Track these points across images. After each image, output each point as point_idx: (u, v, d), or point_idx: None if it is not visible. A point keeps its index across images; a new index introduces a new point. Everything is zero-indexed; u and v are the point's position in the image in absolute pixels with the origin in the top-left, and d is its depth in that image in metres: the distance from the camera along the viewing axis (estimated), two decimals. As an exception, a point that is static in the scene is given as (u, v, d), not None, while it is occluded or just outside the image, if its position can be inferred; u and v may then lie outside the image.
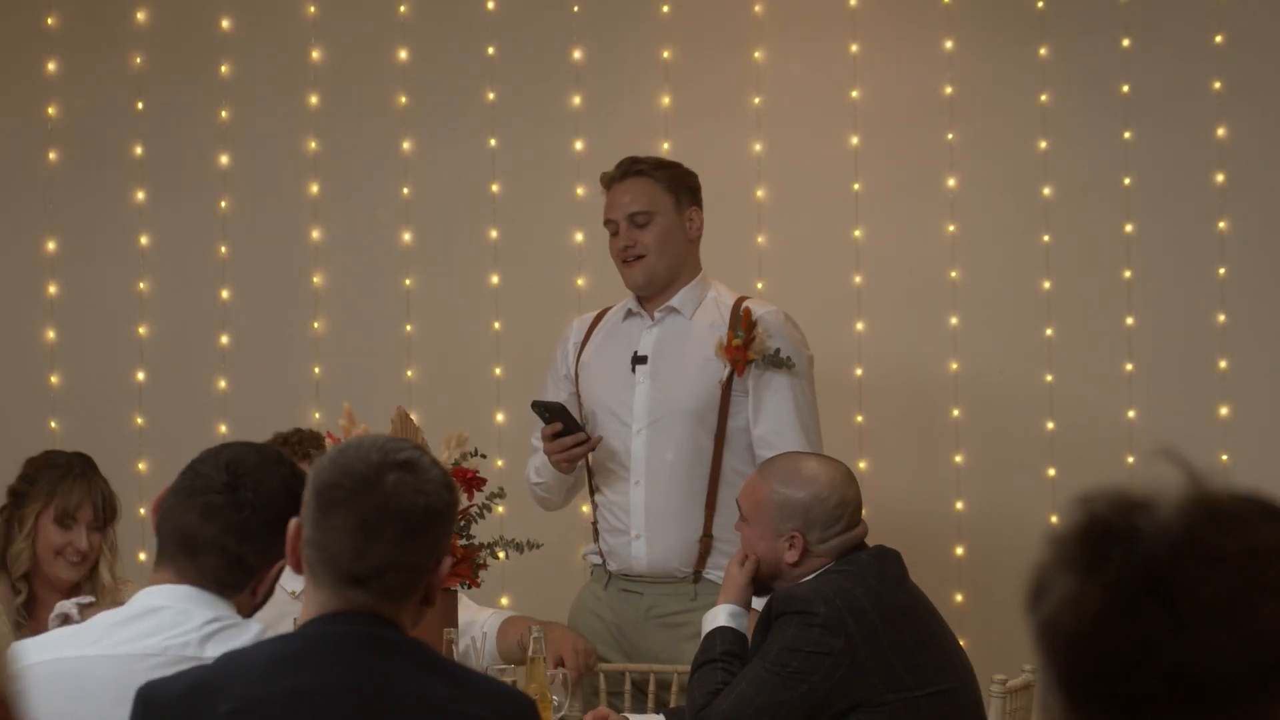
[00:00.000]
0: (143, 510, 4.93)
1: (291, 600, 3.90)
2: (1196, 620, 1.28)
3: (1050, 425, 5.22)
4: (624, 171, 4.30)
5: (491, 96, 5.36)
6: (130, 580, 4.06)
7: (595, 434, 4.26)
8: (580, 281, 5.27)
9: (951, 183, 5.28)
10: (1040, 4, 5.28)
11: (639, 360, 4.25)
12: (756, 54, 5.33)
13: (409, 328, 5.35)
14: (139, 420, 5.33)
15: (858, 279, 5.28)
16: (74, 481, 4.02)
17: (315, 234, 5.38)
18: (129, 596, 3.90)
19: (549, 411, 4.14)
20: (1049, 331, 5.25)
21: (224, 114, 5.39)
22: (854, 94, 5.31)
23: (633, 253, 4.24)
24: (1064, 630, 1.32)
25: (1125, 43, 5.25)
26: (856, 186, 5.30)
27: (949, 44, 5.30)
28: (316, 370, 5.35)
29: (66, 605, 3.29)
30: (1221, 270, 5.20)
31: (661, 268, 4.26)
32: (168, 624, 2.62)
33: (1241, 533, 1.32)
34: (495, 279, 5.33)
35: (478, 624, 4.24)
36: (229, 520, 2.66)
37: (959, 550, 5.21)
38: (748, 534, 3.68)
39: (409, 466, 2.31)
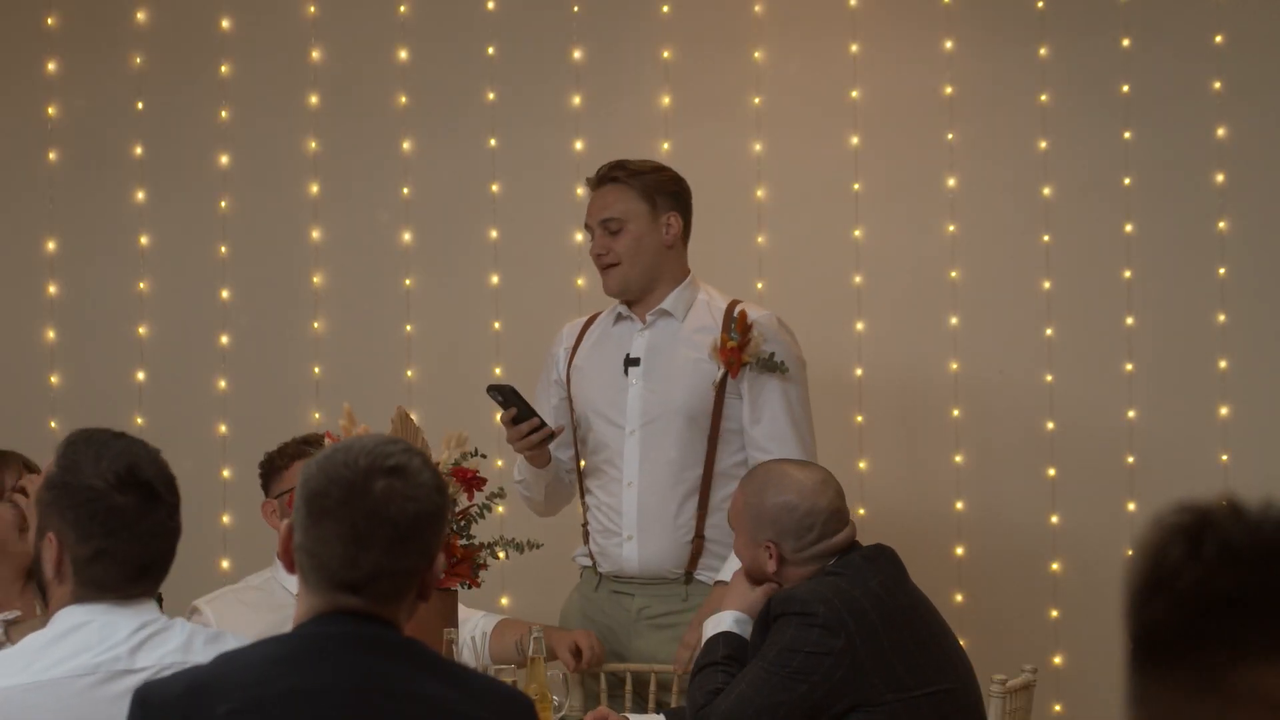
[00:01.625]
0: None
1: (294, 601, 3.90)
2: (1213, 557, 1.33)
3: (1050, 425, 5.22)
4: (601, 177, 4.31)
5: (491, 96, 5.36)
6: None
7: (587, 438, 4.28)
8: (580, 281, 5.27)
9: (951, 183, 5.28)
10: (1040, 4, 5.28)
11: (631, 362, 4.26)
12: (756, 54, 5.33)
13: (409, 328, 5.35)
14: (139, 420, 5.33)
15: (858, 279, 5.28)
16: (6, 462, 4.05)
17: (315, 234, 5.38)
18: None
19: (502, 394, 4.12)
20: (1049, 331, 5.25)
21: (224, 114, 5.40)
22: (854, 94, 5.31)
23: (605, 260, 4.26)
24: (1132, 562, 1.38)
25: (1125, 43, 5.25)
26: (856, 186, 5.30)
27: (949, 44, 5.30)
28: (316, 370, 5.35)
29: None
30: (1221, 270, 5.20)
31: (634, 275, 4.26)
32: (95, 640, 2.56)
33: None
34: (495, 279, 5.34)
35: (470, 623, 4.24)
36: (172, 524, 2.62)
37: (959, 550, 5.21)
38: (737, 547, 3.73)
39: (398, 472, 2.29)
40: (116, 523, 2.59)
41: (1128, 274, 5.24)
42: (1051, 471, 5.22)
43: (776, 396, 4.17)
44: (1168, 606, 1.34)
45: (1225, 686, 1.31)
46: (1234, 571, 1.33)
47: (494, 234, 5.35)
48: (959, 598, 5.17)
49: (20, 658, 2.58)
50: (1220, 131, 5.21)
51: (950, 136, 5.29)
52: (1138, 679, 1.36)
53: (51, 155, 5.42)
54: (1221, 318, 5.20)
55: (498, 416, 4.19)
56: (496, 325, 5.32)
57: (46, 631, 2.61)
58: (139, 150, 5.41)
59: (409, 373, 5.33)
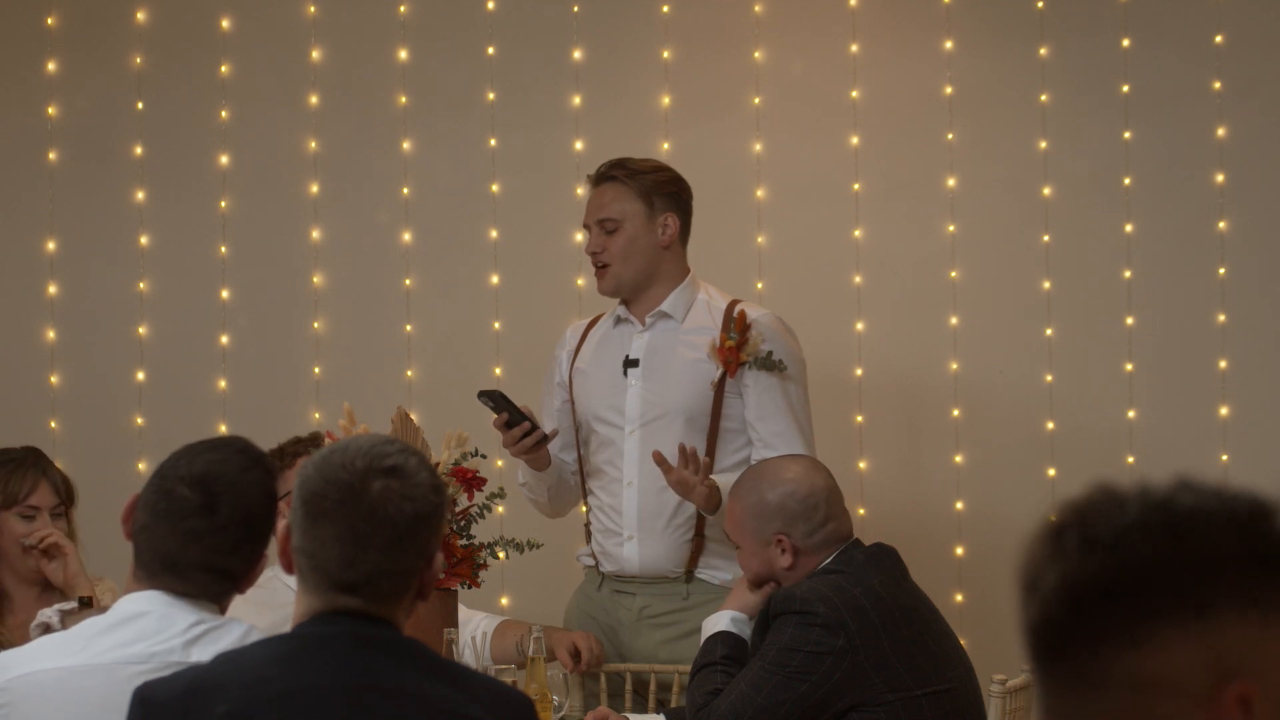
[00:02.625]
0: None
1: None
2: (1073, 550, 1.33)
3: (1050, 425, 5.22)
4: (600, 176, 4.31)
5: (491, 96, 5.36)
6: (103, 578, 4.05)
7: (589, 439, 4.28)
8: (580, 281, 5.27)
9: (951, 183, 5.28)
10: (1040, 4, 5.28)
11: (630, 364, 4.26)
12: (756, 54, 5.33)
13: (409, 328, 5.35)
14: (139, 420, 5.33)
15: (858, 279, 5.28)
16: (25, 471, 4.01)
17: (315, 234, 5.38)
18: (104, 591, 3.90)
19: (492, 400, 4.12)
20: (1049, 331, 5.25)
21: (224, 114, 5.39)
22: (854, 94, 5.31)
23: (600, 259, 4.26)
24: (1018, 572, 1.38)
25: (1125, 43, 5.25)
26: (856, 186, 5.30)
27: (949, 44, 5.30)
28: (316, 370, 5.35)
29: (48, 614, 3.26)
30: (1221, 270, 5.20)
31: (627, 275, 4.26)
32: (151, 630, 2.61)
33: (1183, 513, 1.34)
34: (495, 279, 5.34)
35: (473, 624, 4.24)
36: (213, 543, 2.63)
37: (959, 550, 5.21)
38: (743, 559, 3.70)
39: (396, 472, 2.29)
40: (164, 507, 2.65)
41: (1128, 274, 5.24)
42: (1051, 471, 5.21)
43: (778, 394, 4.18)
44: (1040, 606, 1.33)
45: (1106, 678, 1.30)
46: (1091, 560, 1.32)
47: (494, 234, 5.35)
48: (959, 598, 5.17)
49: (77, 640, 2.64)
50: (1220, 131, 5.21)
51: (950, 136, 5.29)
52: (1037, 683, 1.35)
53: (51, 155, 5.41)
54: (1221, 318, 5.20)
55: (491, 421, 4.19)
56: (496, 325, 5.32)
57: (106, 618, 2.66)
58: (139, 150, 5.41)
59: (409, 373, 5.33)
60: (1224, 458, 5.16)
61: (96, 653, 2.60)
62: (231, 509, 2.63)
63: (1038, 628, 1.33)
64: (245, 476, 2.66)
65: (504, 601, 5.18)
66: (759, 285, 5.25)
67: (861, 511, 5.10)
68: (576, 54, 5.35)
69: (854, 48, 5.31)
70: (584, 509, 4.38)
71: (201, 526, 2.63)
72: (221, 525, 2.63)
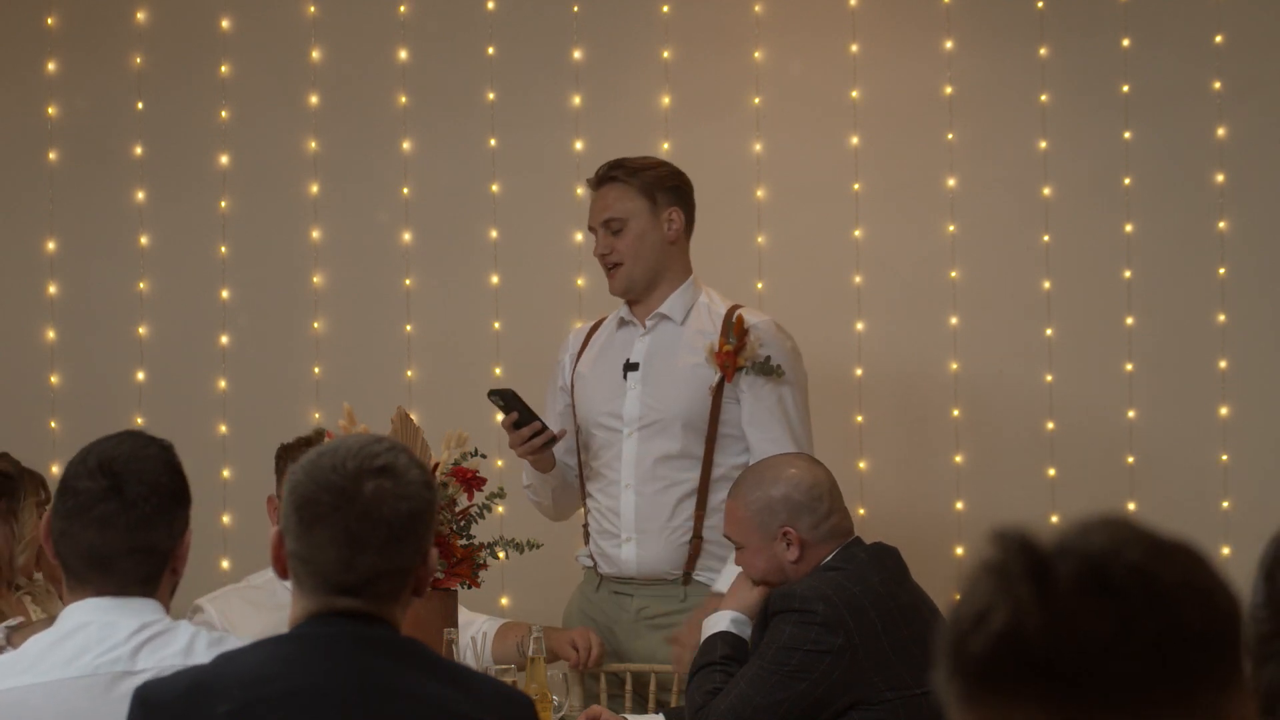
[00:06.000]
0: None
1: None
2: (1173, 595, 1.35)
3: (1050, 425, 5.22)
4: (600, 177, 4.31)
5: (491, 96, 5.36)
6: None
7: (589, 443, 4.28)
8: (580, 281, 5.27)
9: (951, 183, 5.28)
10: (1040, 4, 5.28)
11: (630, 367, 4.26)
12: (756, 54, 5.33)
13: (409, 328, 5.35)
14: (139, 420, 5.33)
15: (858, 279, 5.28)
16: None
17: (315, 234, 5.38)
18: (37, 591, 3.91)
19: (503, 399, 4.12)
20: (1049, 331, 5.25)
21: (224, 114, 5.39)
22: (854, 94, 5.31)
23: (610, 260, 4.26)
24: (1029, 629, 1.37)
25: (1125, 43, 5.25)
26: (856, 186, 5.30)
27: (949, 44, 5.30)
28: (316, 370, 5.35)
29: None
30: (1221, 270, 5.20)
31: (639, 272, 4.26)
32: (94, 641, 2.57)
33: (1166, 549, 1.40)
34: (495, 279, 5.34)
35: (474, 626, 4.25)
36: (127, 521, 2.60)
37: (959, 550, 5.21)
38: (746, 559, 3.69)
39: (387, 471, 2.29)
40: (73, 505, 2.62)
41: (1128, 274, 5.24)
42: (1051, 471, 5.21)
43: (772, 401, 4.17)
44: (1143, 651, 1.33)
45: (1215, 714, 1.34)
46: (1190, 602, 1.36)
47: (494, 234, 5.35)
48: (959, 598, 5.16)
49: (24, 659, 2.60)
50: (1220, 131, 5.21)
51: (950, 136, 5.29)
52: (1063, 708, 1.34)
53: (51, 155, 5.41)
54: (1221, 318, 5.20)
55: (499, 418, 4.19)
56: (496, 325, 5.32)
57: (50, 633, 2.63)
58: (139, 150, 5.41)
59: (409, 373, 5.33)
60: (1224, 458, 5.16)
61: (43, 671, 2.56)
62: (137, 484, 2.60)
63: (1149, 669, 1.34)
64: (143, 453, 2.64)
65: (504, 601, 5.18)
66: (759, 285, 5.25)
67: (861, 511, 5.10)
68: (576, 54, 5.35)
69: (854, 48, 5.31)
70: (583, 510, 4.39)
71: (113, 509, 2.59)
72: (132, 502, 2.60)
